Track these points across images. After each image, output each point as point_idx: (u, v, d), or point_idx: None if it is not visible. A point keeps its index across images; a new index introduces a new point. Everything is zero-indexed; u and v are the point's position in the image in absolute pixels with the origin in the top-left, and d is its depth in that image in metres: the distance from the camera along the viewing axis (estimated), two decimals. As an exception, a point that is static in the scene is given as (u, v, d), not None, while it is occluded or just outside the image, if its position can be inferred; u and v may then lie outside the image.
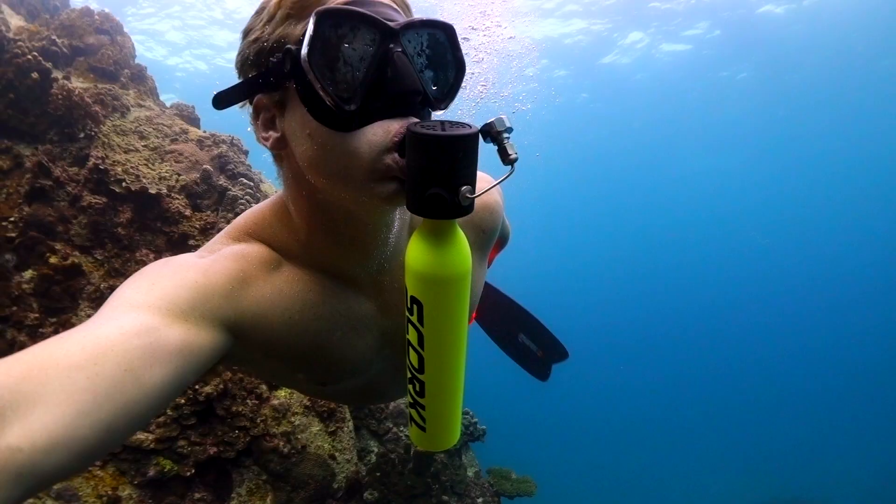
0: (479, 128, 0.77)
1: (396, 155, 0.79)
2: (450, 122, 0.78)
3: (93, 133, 3.06)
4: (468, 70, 1.14)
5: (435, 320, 0.83)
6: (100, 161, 2.89)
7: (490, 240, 1.28)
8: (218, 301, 0.88)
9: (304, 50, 0.79)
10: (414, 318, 0.84)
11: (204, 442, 2.70)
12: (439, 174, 0.73)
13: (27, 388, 0.59)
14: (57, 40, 3.68)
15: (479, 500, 4.95)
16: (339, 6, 0.81)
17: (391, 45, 0.80)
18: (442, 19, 0.91)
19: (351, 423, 3.62)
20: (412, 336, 0.86)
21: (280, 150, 0.93)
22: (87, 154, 2.98)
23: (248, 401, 2.98)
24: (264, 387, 3.11)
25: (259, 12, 0.91)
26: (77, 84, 3.51)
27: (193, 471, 2.64)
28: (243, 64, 0.91)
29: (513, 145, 0.80)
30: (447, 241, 0.79)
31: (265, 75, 0.87)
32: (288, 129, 0.89)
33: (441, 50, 0.91)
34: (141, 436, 2.53)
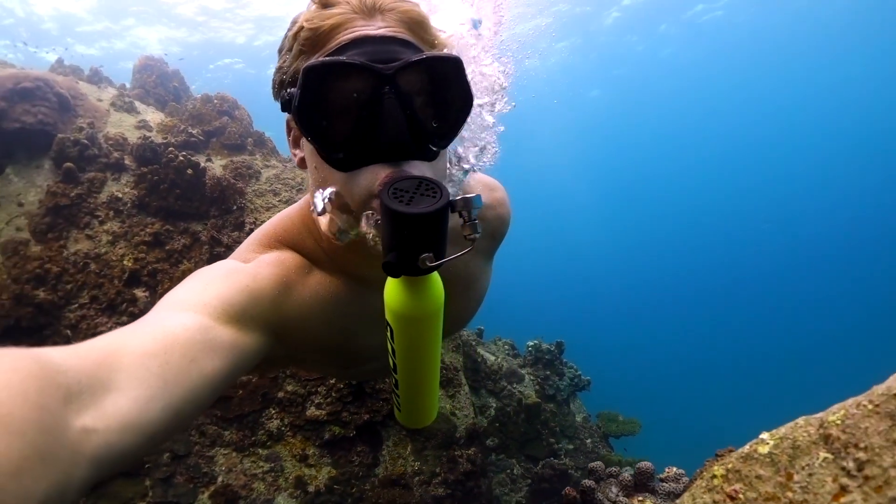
0: (448, 201, 0.79)
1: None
2: (429, 183, 0.80)
3: (241, 205, 4.14)
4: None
5: (402, 344, 0.93)
6: (252, 225, 3.96)
7: (499, 244, 1.42)
8: (266, 306, 0.96)
9: (294, 104, 0.84)
10: (388, 335, 0.94)
11: (359, 411, 3.67)
12: (397, 243, 0.78)
13: (102, 374, 0.62)
14: (192, 131, 4.82)
15: (588, 440, 5.64)
16: (327, 59, 0.83)
17: (385, 90, 0.82)
18: (446, 53, 0.89)
19: (466, 387, 4.46)
20: (388, 345, 0.96)
21: (303, 168, 1.00)
22: (242, 221, 4.06)
23: (386, 380, 3.93)
24: (394, 368, 4.06)
25: (286, 33, 0.95)
26: (217, 163, 4.63)
27: (355, 432, 3.60)
28: (273, 87, 0.97)
29: (476, 224, 0.85)
30: (418, 286, 0.86)
31: (284, 105, 0.92)
32: (305, 153, 0.95)
33: (444, 84, 0.90)
34: (318, 412, 3.55)
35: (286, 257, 1.07)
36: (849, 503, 0.83)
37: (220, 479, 3.40)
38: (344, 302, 1.10)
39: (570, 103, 27.44)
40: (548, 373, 5.89)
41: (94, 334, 2.80)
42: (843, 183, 51.49)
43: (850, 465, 0.85)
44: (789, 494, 0.91)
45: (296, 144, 1.02)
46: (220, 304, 0.87)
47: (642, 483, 1.48)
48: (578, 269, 63.67)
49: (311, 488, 3.40)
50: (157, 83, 6.18)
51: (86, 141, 4.24)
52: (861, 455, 0.85)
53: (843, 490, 0.85)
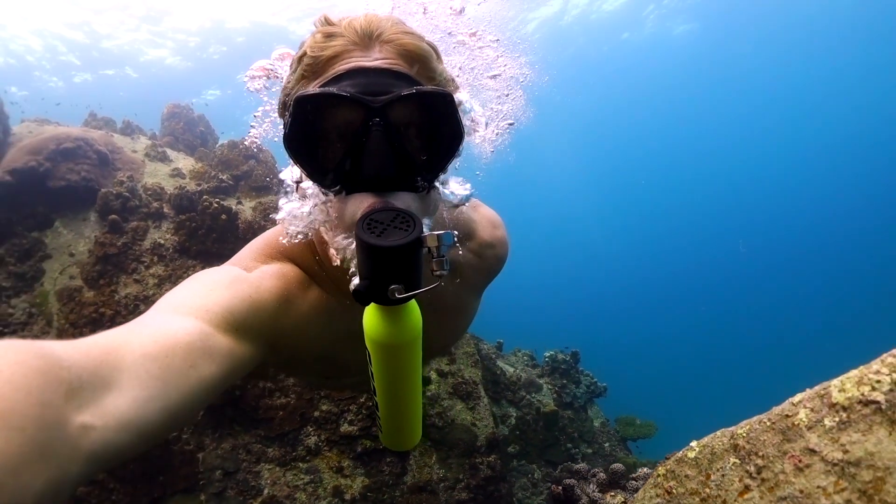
0: (417, 237, 0.80)
1: None
2: (405, 216, 0.82)
3: (271, 243, 4.53)
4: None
5: (380, 369, 0.95)
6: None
7: (491, 281, 1.47)
8: (265, 318, 0.97)
9: (285, 132, 0.87)
10: (368, 360, 0.96)
11: (386, 426, 4.05)
12: (367, 273, 0.80)
13: (104, 371, 0.65)
14: (222, 176, 5.24)
15: (606, 444, 5.90)
16: (317, 91, 0.86)
17: (373, 122, 0.84)
18: (436, 88, 0.90)
19: (485, 399, 4.79)
20: (369, 369, 0.98)
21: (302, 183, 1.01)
22: (272, 259, 4.45)
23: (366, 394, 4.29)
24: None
25: (296, 54, 0.96)
26: (247, 205, 5.06)
27: (384, 445, 3.99)
28: (279, 104, 1.00)
29: (444, 261, 0.85)
30: (394, 315, 0.88)
31: (286, 126, 0.92)
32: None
33: (434, 119, 0.91)
34: (350, 428, 3.93)
35: (288, 270, 1.09)
36: (749, 499, 1.04)
37: (266, 491, 3.78)
38: (334, 318, 1.13)
39: (574, 108, 27.88)
40: (564, 381, 6.18)
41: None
42: (849, 180, 51.85)
43: (752, 469, 1.05)
44: (707, 490, 1.20)
45: None
46: (222, 311, 0.89)
47: (615, 481, 1.80)
48: (592, 276, 65.33)
49: (347, 496, 3.78)
50: (185, 129, 6.66)
51: (127, 193, 4.69)
52: (759, 461, 1.04)
53: (747, 489, 1.05)
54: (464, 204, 1.10)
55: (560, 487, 1.82)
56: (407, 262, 0.80)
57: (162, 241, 4.57)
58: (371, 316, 0.89)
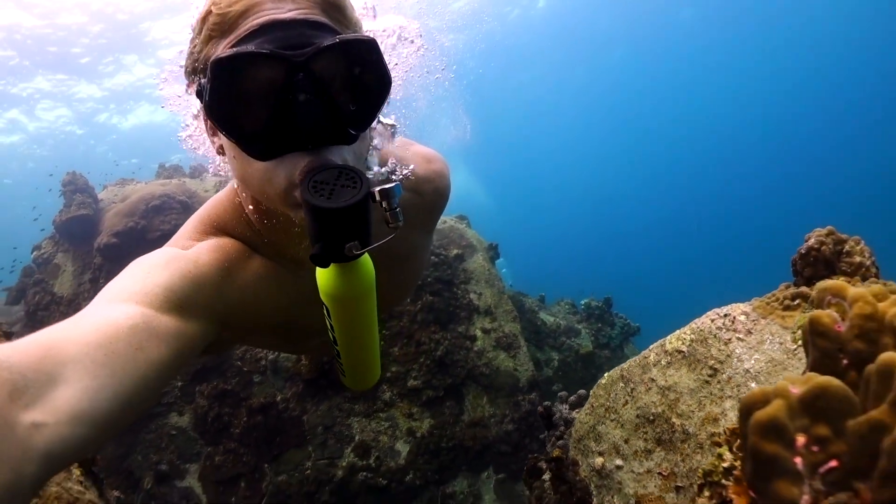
0: (367, 192, 0.80)
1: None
2: (349, 172, 0.81)
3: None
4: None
5: (338, 321, 0.99)
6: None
7: (438, 217, 1.42)
8: (208, 291, 0.96)
9: (205, 99, 0.82)
10: (325, 313, 1.00)
11: (444, 378, 5.02)
12: (322, 236, 0.80)
13: (47, 367, 0.62)
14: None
15: (642, 375, 6.69)
16: (235, 51, 0.79)
17: (299, 77, 0.79)
18: (360, 35, 0.87)
19: (524, 348, 5.62)
20: (327, 322, 1.02)
21: (222, 156, 0.97)
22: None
23: (461, 352, 5.26)
24: (468, 342, 5.41)
25: (198, 15, 0.90)
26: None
27: (443, 392, 4.95)
28: (185, 71, 0.94)
29: (397, 212, 0.86)
30: (348, 270, 0.89)
31: (198, 94, 0.88)
32: (224, 142, 0.91)
33: (360, 67, 0.88)
34: (415, 382, 4.93)
35: (225, 243, 1.07)
36: (627, 408, 1.68)
37: (357, 437, 4.86)
38: (282, 284, 1.11)
39: (590, 63, 27.58)
40: (600, 325, 6.98)
41: (257, 360, 4.40)
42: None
43: (629, 389, 1.70)
44: (608, 403, 1.93)
45: (214, 131, 0.97)
46: (163, 292, 0.87)
47: (580, 403, 2.65)
48: (622, 223, 66.29)
49: (418, 434, 4.83)
50: (241, 159, 7.53)
51: (213, 229, 5.78)
52: (632, 385, 1.69)
53: (626, 402, 1.68)
54: (392, 134, 1.10)
55: (542, 408, 2.69)
56: (360, 219, 0.80)
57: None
58: (324, 273, 0.90)
